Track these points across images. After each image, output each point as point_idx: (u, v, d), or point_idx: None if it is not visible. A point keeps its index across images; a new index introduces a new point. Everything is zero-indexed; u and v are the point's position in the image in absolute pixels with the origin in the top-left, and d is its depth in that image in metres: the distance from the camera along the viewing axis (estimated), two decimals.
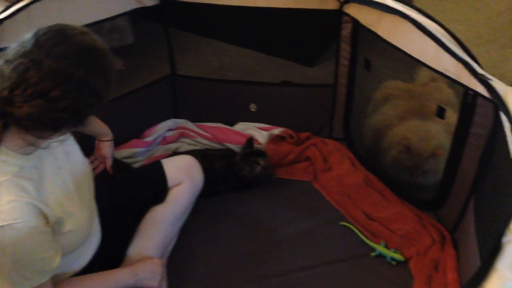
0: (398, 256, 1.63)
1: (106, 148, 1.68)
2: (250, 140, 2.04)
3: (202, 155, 1.86)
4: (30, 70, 0.97)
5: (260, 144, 2.09)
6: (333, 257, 1.67)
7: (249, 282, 1.60)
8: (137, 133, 2.11)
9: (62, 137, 1.13)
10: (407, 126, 1.79)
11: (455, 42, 1.43)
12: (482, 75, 1.27)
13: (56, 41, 1.00)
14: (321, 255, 1.68)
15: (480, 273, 0.86)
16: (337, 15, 1.80)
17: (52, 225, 1.13)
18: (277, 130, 2.14)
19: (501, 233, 0.92)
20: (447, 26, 1.47)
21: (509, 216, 0.95)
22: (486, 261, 0.88)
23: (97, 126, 1.64)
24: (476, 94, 1.33)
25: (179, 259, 1.66)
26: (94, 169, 1.65)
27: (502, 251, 0.89)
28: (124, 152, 2.00)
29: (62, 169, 1.23)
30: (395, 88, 1.87)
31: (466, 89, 1.36)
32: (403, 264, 1.63)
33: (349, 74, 1.90)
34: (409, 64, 1.54)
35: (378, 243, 1.69)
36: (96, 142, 1.69)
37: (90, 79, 1.02)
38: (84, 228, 1.26)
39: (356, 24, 1.73)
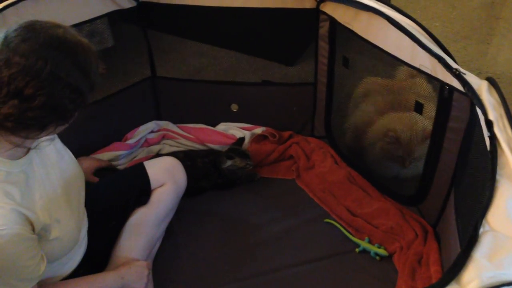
0: (382, 251, 1.65)
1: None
2: (241, 139, 2.05)
3: (185, 154, 1.86)
4: (2, 69, 0.95)
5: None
6: (318, 254, 1.68)
7: (235, 281, 1.60)
8: (119, 136, 2.10)
9: (51, 136, 1.11)
10: (389, 118, 1.80)
11: (430, 38, 1.45)
12: (456, 69, 1.29)
13: (23, 37, 0.97)
14: (306, 252, 1.69)
15: (458, 262, 0.87)
16: (314, 13, 1.81)
17: (38, 232, 1.12)
18: (259, 130, 2.15)
19: (478, 224, 0.94)
20: (423, 23, 1.49)
21: (486, 208, 0.97)
22: (463, 251, 0.89)
23: None
24: (452, 88, 1.35)
25: (165, 260, 1.66)
26: None
27: (479, 241, 0.91)
28: (106, 156, 1.99)
29: (51, 173, 1.22)
30: (374, 84, 1.88)
31: (442, 84, 1.38)
32: (387, 259, 1.65)
33: (329, 72, 1.91)
34: (388, 61, 1.56)
35: (362, 239, 1.71)
36: None
37: (62, 74, 0.98)
38: (71, 236, 1.25)
39: (333, 22, 1.75)
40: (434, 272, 1.51)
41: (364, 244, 1.68)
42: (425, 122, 1.64)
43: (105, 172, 1.87)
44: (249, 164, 1.91)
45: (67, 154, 1.33)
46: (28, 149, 1.14)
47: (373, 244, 1.68)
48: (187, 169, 1.69)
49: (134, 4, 1.85)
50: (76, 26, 1.68)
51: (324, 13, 1.77)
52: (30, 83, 0.96)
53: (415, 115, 1.66)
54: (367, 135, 1.89)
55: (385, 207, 1.78)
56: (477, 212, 0.98)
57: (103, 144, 2.03)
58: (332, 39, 1.82)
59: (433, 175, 1.62)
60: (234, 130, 2.16)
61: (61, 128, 1.09)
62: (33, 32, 0.98)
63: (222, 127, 2.19)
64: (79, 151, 1.63)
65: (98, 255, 1.45)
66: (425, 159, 1.64)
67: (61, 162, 1.28)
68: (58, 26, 1.02)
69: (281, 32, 2.41)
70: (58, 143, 1.30)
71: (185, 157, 1.79)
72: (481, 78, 1.29)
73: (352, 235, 1.73)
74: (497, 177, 1.00)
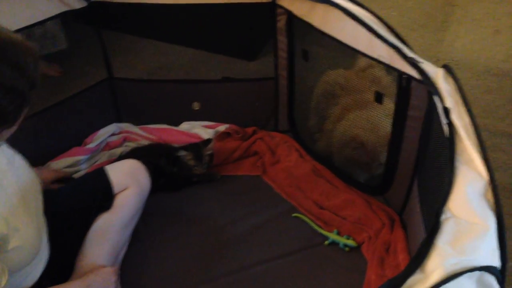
0: (350, 242, 1.66)
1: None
2: (208, 141, 2.01)
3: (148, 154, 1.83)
4: None
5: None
6: (288, 249, 1.68)
7: (206, 282, 1.59)
8: (78, 140, 2.05)
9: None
10: (351, 121, 1.80)
11: (386, 28, 1.46)
12: (412, 58, 1.30)
13: None
14: (276, 248, 1.69)
15: (421, 250, 0.88)
16: (271, 7, 1.80)
17: None
18: (222, 127, 2.13)
19: (439, 212, 0.94)
20: (381, 12, 1.50)
21: (446, 195, 0.97)
22: (426, 239, 0.89)
23: None
24: (410, 77, 1.37)
25: (133, 265, 1.62)
26: None
27: (441, 228, 0.91)
28: (65, 161, 1.93)
29: (4, 180, 1.17)
30: (333, 82, 1.88)
31: (400, 73, 1.39)
32: (356, 249, 1.66)
33: (289, 66, 1.91)
34: (347, 52, 1.56)
35: (330, 231, 1.71)
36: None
37: None
38: (32, 244, 1.20)
39: (290, 16, 1.74)
40: (402, 260, 1.52)
41: (333, 236, 1.69)
42: (387, 122, 1.64)
43: (64, 180, 1.82)
44: (197, 168, 1.90)
45: (18, 160, 1.28)
46: None
47: (341, 236, 1.69)
48: (151, 169, 1.65)
49: (84, 4, 1.79)
50: (25, 28, 1.62)
51: (281, 6, 1.76)
52: None
53: (376, 113, 1.66)
54: (333, 138, 1.89)
55: (351, 198, 1.79)
56: (439, 199, 0.99)
57: (62, 149, 1.98)
58: (290, 32, 1.81)
59: (396, 164, 1.64)
60: (198, 128, 2.14)
61: (9, 133, 1.04)
62: None
63: (185, 126, 2.16)
64: (36, 158, 1.56)
65: (62, 264, 1.41)
66: (387, 148, 1.65)
67: (13, 168, 1.23)
68: None
69: (239, 27, 2.40)
70: (6, 149, 1.25)
71: (147, 157, 1.75)
72: (439, 65, 1.30)
73: (321, 228, 1.73)
74: (456, 163, 1.01)
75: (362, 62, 1.77)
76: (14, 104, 0.98)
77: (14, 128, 1.04)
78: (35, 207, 1.28)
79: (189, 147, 1.94)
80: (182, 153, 1.88)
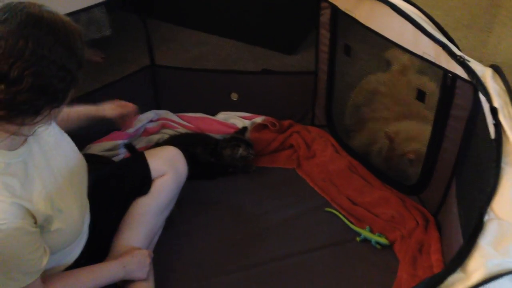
0: (383, 240, 1.65)
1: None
2: (244, 129, 2.04)
3: (183, 141, 1.85)
4: None
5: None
6: (319, 243, 1.68)
7: (236, 271, 1.60)
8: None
9: (48, 122, 1.08)
10: (401, 136, 1.78)
11: (433, 26, 1.44)
12: (460, 56, 1.28)
13: (1, 19, 0.94)
14: (307, 241, 1.69)
15: (463, 250, 0.87)
16: (316, 1, 1.79)
17: (40, 224, 1.11)
18: (259, 119, 2.14)
19: (483, 212, 0.93)
20: None
21: (491, 196, 0.96)
22: (469, 239, 0.88)
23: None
24: (455, 76, 1.34)
25: (166, 250, 1.65)
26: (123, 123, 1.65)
27: (484, 229, 0.90)
28: (105, 145, 1.97)
29: (52, 162, 1.20)
30: (375, 81, 1.86)
31: (445, 71, 1.37)
32: (388, 247, 1.65)
33: (330, 60, 1.90)
34: (387, 49, 1.55)
35: (363, 228, 1.70)
36: (97, 109, 1.60)
37: (45, 51, 0.95)
38: (74, 227, 1.24)
39: (335, 10, 1.73)
40: (435, 261, 1.51)
41: (365, 233, 1.68)
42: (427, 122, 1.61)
43: (101, 164, 1.86)
44: (251, 154, 1.91)
45: (66, 141, 1.32)
46: (26, 138, 1.12)
47: (374, 233, 1.68)
48: (187, 157, 1.68)
49: None
50: (72, 14, 1.66)
51: (326, 0, 1.75)
52: (14, 65, 0.93)
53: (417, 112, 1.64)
54: (370, 137, 1.87)
55: (386, 196, 1.78)
56: (481, 200, 0.97)
57: (102, 133, 2.01)
58: (334, 26, 1.80)
59: (435, 164, 1.62)
60: (234, 119, 2.15)
61: (56, 112, 1.06)
62: (10, 12, 0.96)
63: (222, 116, 2.18)
64: (78, 141, 1.60)
65: (99, 245, 1.44)
66: (427, 148, 1.63)
67: (62, 149, 1.26)
68: (34, 4, 0.99)
69: (281, 20, 2.40)
70: (54, 130, 1.28)
71: (184, 145, 1.77)
72: (483, 66, 1.28)
73: (353, 224, 1.72)
74: (502, 165, 1.00)
75: (400, 62, 1.74)
76: (64, 82, 1.01)
77: (61, 108, 1.07)
78: (81, 189, 1.31)
79: (233, 139, 1.94)
80: (240, 151, 1.89)
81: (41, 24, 0.97)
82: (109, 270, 1.36)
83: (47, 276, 1.20)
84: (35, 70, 0.95)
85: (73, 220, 1.22)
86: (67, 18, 1.02)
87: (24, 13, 0.96)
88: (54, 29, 0.98)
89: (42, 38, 0.96)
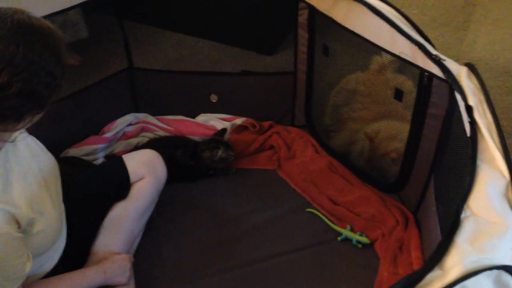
0: (363, 239, 1.66)
1: None
2: (223, 130, 2.03)
3: (163, 144, 1.83)
4: None
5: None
6: (300, 243, 1.68)
7: (218, 273, 1.59)
8: (96, 129, 2.06)
9: (24, 128, 1.08)
10: (370, 120, 1.80)
11: (409, 25, 1.45)
12: (436, 56, 1.29)
13: None
14: (288, 242, 1.69)
15: (441, 248, 0.87)
16: (293, 1, 1.79)
17: (24, 228, 1.10)
18: (239, 120, 2.13)
19: (459, 209, 0.94)
20: (401, 10, 1.49)
21: (467, 193, 0.97)
22: (446, 236, 0.89)
23: None
24: (431, 75, 1.36)
25: (146, 254, 1.63)
26: None
27: (460, 226, 0.91)
28: (83, 150, 1.95)
29: (28, 166, 1.19)
30: (353, 81, 1.87)
31: (422, 70, 1.39)
32: (369, 246, 1.66)
33: (308, 61, 1.90)
34: (367, 49, 1.55)
35: (344, 227, 1.71)
36: None
37: (35, 57, 0.96)
38: (55, 227, 1.23)
39: (312, 10, 1.73)
40: (415, 258, 1.52)
41: (346, 232, 1.68)
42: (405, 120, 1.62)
43: (82, 167, 1.84)
44: (231, 155, 1.90)
45: (38, 146, 1.31)
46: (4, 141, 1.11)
47: (355, 232, 1.69)
48: (166, 160, 1.66)
49: None
50: (48, 17, 1.63)
51: (303, 1, 1.76)
52: (4, 70, 0.93)
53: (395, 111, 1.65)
54: (349, 137, 1.88)
55: (366, 195, 1.79)
56: (458, 197, 0.98)
57: (80, 138, 1.99)
58: (312, 27, 1.81)
59: (413, 162, 1.63)
60: (214, 121, 2.14)
61: (37, 118, 1.06)
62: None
63: (201, 118, 2.17)
64: (55, 145, 1.58)
65: (78, 250, 1.43)
66: (405, 146, 1.64)
67: (34, 154, 1.25)
68: (21, 11, 1.00)
69: (260, 21, 2.39)
70: (28, 138, 1.27)
71: (164, 148, 1.76)
72: (459, 64, 1.29)
73: (334, 224, 1.73)
74: (478, 162, 1.01)
75: (377, 61, 1.75)
76: (49, 88, 1.01)
77: (41, 114, 1.07)
78: (56, 191, 1.30)
79: (213, 141, 1.93)
80: (219, 153, 1.89)
81: (32, 30, 0.97)
82: (89, 276, 1.35)
83: (25, 284, 1.18)
84: (24, 77, 0.96)
85: (53, 220, 1.22)
86: (52, 25, 1.03)
87: (15, 19, 0.96)
88: (43, 35, 0.99)
89: (32, 44, 0.97)
